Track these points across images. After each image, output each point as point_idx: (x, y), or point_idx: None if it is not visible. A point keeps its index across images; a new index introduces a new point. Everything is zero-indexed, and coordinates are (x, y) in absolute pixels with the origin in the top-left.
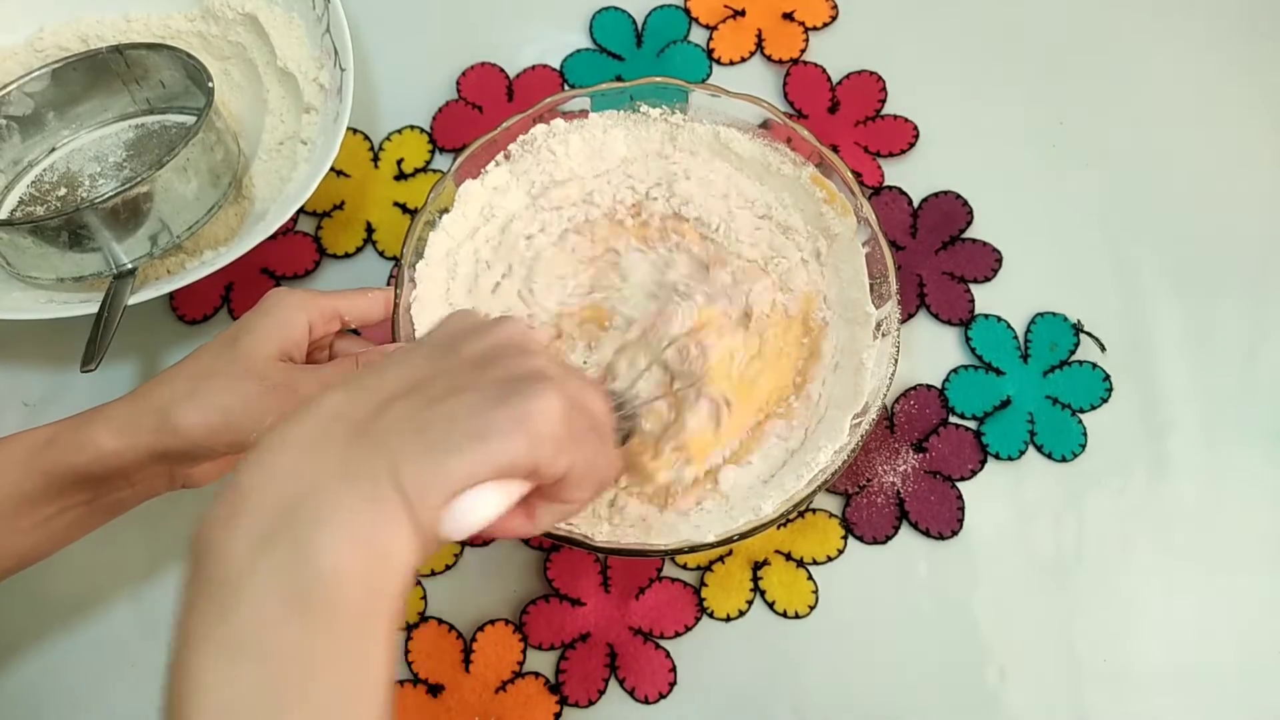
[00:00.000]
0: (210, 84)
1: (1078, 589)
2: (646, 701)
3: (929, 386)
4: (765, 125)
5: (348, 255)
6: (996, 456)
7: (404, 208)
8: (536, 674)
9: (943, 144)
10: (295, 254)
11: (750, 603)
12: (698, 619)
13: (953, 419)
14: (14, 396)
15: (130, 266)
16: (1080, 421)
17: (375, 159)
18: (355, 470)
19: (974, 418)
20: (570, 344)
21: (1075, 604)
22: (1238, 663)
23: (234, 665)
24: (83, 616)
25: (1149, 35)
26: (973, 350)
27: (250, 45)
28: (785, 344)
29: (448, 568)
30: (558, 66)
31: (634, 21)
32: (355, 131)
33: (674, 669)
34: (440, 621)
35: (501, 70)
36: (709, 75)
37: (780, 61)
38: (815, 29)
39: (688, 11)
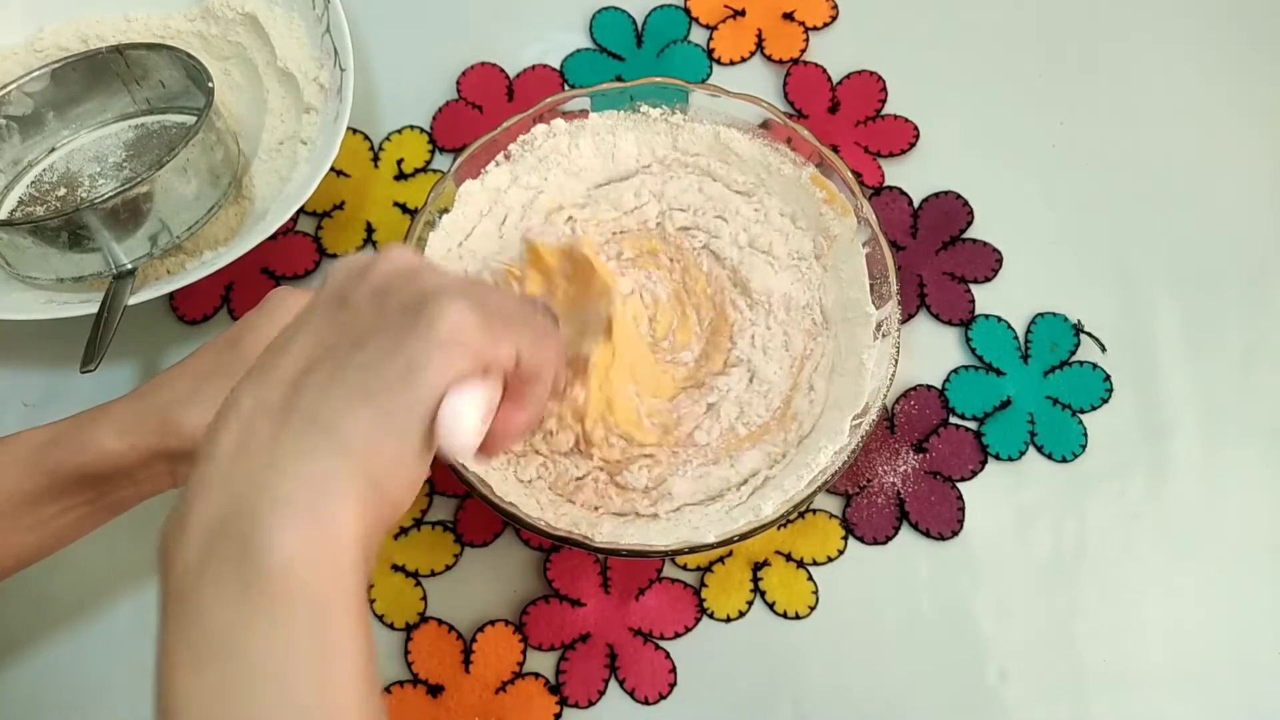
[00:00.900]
0: (210, 84)
1: (1078, 589)
2: (646, 702)
3: (929, 387)
4: (765, 125)
5: (347, 255)
6: (997, 457)
7: (404, 208)
8: (536, 674)
9: (943, 144)
10: (295, 254)
11: (750, 603)
12: (698, 619)
13: (953, 419)
14: (14, 396)
15: (130, 266)
16: (1080, 422)
17: (375, 159)
18: (286, 455)
19: (974, 418)
20: None
21: (1075, 604)
22: (1238, 663)
23: (204, 670)
24: (83, 616)
25: (1149, 35)
26: (973, 350)
27: (250, 45)
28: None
29: (447, 568)
30: (558, 66)
31: (634, 21)
32: (355, 131)
33: (674, 669)
34: (440, 622)
35: (501, 70)
36: (709, 75)
37: (780, 61)
38: (815, 29)
39: (688, 11)
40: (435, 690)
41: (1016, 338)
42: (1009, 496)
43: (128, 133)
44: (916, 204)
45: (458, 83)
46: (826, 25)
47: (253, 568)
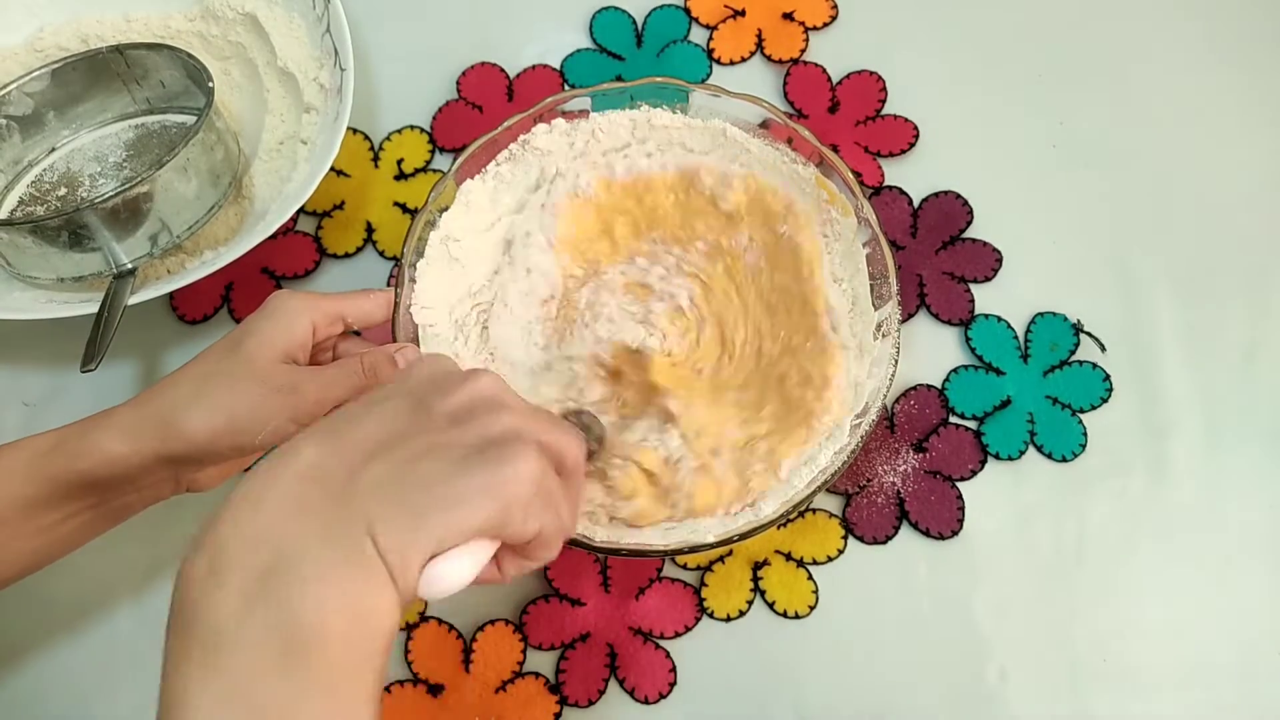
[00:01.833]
0: (210, 84)
1: (1078, 589)
2: (646, 701)
3: (929, 386)
4: (765, 125)
5: (348, 255)
6: (996, 456)
7: (404, 208)
8: (536, 674)
9: (943, 144)
10: (295, 254)
11: (750, 603)
12: (698, 619)
13: (953, 419)
14: (14, 396)
15: (130, 266)
16: (1080, 421)
17: (375, 159)
18: (336, 534)
19: (974, 418)
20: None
21: (1075, 604)
22: (1238, 663)
23: (225, 716)
24: (85, 619)
25: (1149, 35)
26: (973, 350)
27: (250, 45)
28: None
29: None
30: (558, 66)
31: (634, 21)
32: (355, 131)
33: (674, 669)
34: (440, 621)
35: (501, 70)
36: (709, 75)
37: (780, 61)
38: (815, 29)
39: (688, 11)
40: (435, 690)
41: (1016, 337)
42: (1009, 496)
43: (128, 133)
44: (916, 204)
45: (458, 83)
46: (826, 25)
47: (293, 632)
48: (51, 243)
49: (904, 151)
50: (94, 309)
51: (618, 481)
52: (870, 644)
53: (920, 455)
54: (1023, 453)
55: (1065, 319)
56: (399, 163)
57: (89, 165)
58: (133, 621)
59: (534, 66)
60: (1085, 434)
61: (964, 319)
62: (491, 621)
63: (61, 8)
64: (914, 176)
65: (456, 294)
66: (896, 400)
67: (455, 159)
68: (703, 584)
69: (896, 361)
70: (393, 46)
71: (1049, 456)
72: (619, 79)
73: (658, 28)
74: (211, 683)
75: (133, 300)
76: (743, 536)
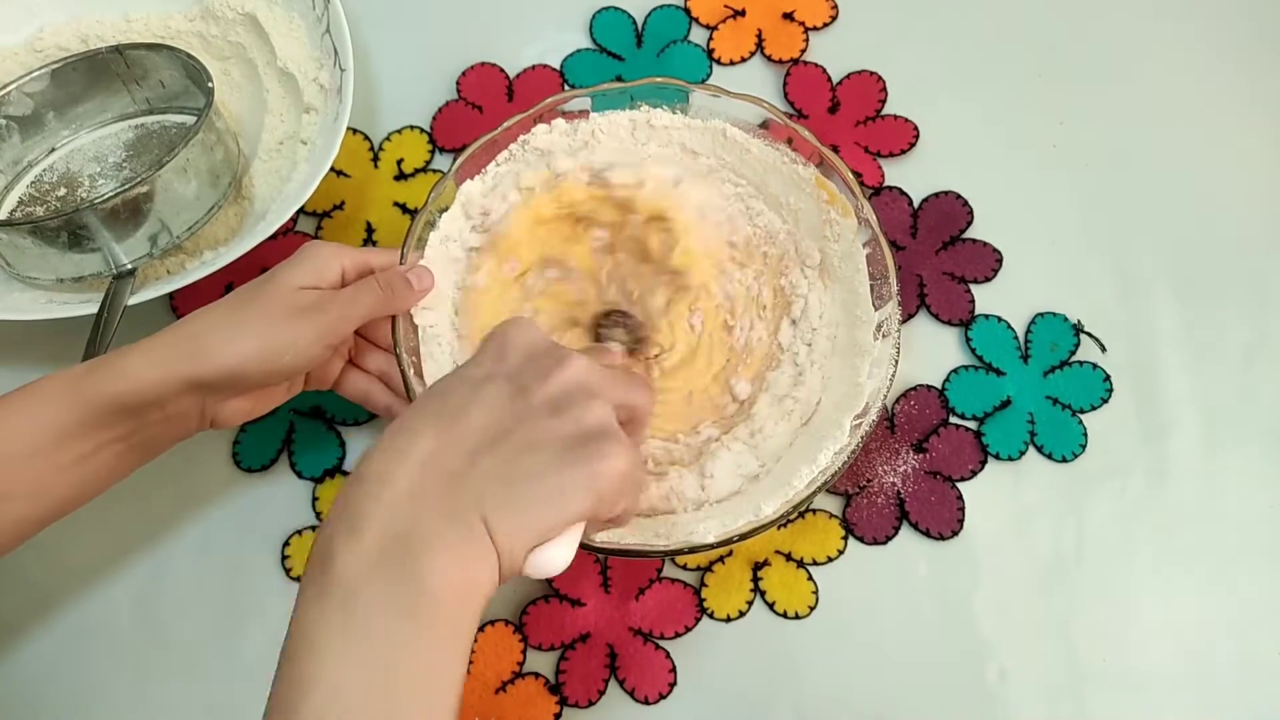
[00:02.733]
0: (210, 84)
1: (1078, 589)
2: (646, 702)
3: (929, 387)
4: (765, 125)
5: None
6: (997, 457)
7: (404, 208)
8: (536, 674)
9: (943, 144)
10: None
11: (750, 603)
12: (698, 619)
13: (953, 419)
14: None
15: (130, 267)
16: (1080, 422)
17: (375, 159)
18: (455, 514)
19: (974, 418)
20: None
21: (1075, 604)
22: (1238, 663)
23: (349, 650)
24: (85, 619)
25: (1149, 35)
26: (973, 350)
27: (250, 45)
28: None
29: None
30: (558, 66)
31: (634, 21)
32: (355, 131)
33: (674, 669)
34: None
35: (501, 70)
36: (709, 75)
37: (780, 61)
38: (815, 29)
39: (688, 11)
40: None
41: (1016, 338)
42: (1009, 496)
43: (128, 133)
44: (916, 204)
45: (458, 83)
46: (826, 25)
47: (414, 586)
48: (51, 243)
49: (904, 151)
50: (94, 309)
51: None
52: (870, 644)
53: (920, 455)
54: (1023, 453)
55: (1065, 319)
56: (399, 163)
57: (89, 165)
58: (133, 621)
59: (534, 66)
60: (1085, 434)
61: (964, 319)
62: (491, 622)
63: (61, 8)
64: (914, 176)
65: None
66: (896, 400)
67: (455, 159)
68: (703, 584)
69: (896, 362)
70: (393, 46)
71: (1049, 457)
72: (619, 79)
73: (658, 28)
74: (340, 620)
75: (133, 300)
76: (743, 537)
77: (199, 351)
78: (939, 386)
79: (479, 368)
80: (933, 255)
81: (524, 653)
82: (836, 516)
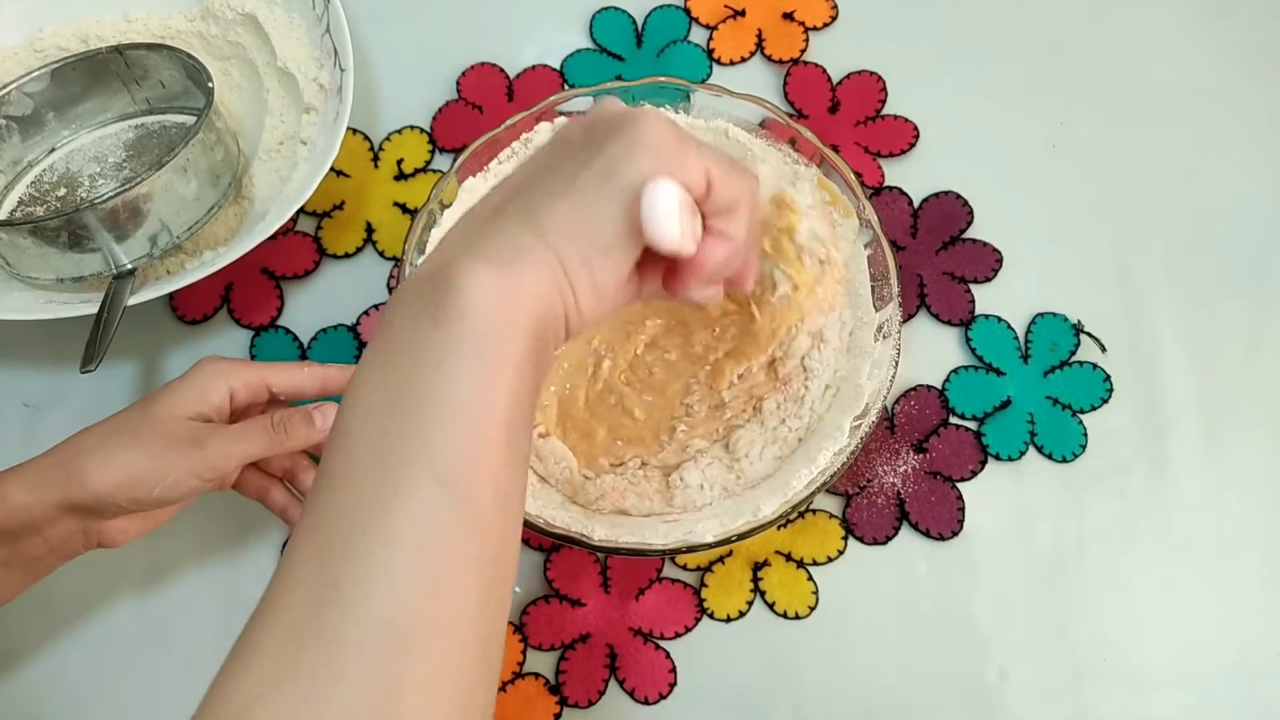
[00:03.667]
0: (210, 84)
1: (1078, 589)
2: (646, 702)
3: (929, 387)
4: (763, 125)
5: (348, 255)
6: (997, 457)
7: (404, 208)
8: (536, 674)
9: (943, 144)
10: (295, 254)
11: (750, 603)
12: (698, 619)
13: (953, 419)
14: (14, 396)
15: (130, 267)
16: (1080, 422)
17: (375, 159)
18: (492, 228)
19: (974, 418)
20: None
21: (1075, 604)
22: (1238, 663)
23: (376, 369)
24: (85, 619)
25: (1148, 35)
26: (973, 350)
27: (250, 45)
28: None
29: None
30: (558, 66)
31: (634, 21)
32: (355, 131)
33: (674, 669)
34: None
35: (501, 70)
36: (709, 75)
37: (780, 61)
38: (815, 29)
39: (688, 11)
40: None
41: (1016, 338)
42: (1009, 496)
43: (128, 133)
44: (916, 204)
45: (458, 83)
46: (826, 25)
47: (443, 299)
48: (51, 243)
49: (904, 151)
50: (94, 309)
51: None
52: (870, 644)
53: (920, 455)
54: (1023, 453)
55: (1065, 319)
56: (399, 163)
57: (89, 165)
58: (133, 621)
59: (534, 66)
60: (1085, 434)
61: (964, 319)
62: None
63: (61, 8)
64: (914, 176)
65: None
66: (897, 401)
67: (456, 158)
68: (703, 584)
69: (897, 363)
70: (393, 46)
71: (1049, 457)
72: (619, 79)
73: (658, 28)
74: (378, 340)
75: (132, 300)
76: (741, 537)
77: (72, 476)
78: (939, 386)
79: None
80: (933, 255)
81: (524, 653)
82: (836, 517)
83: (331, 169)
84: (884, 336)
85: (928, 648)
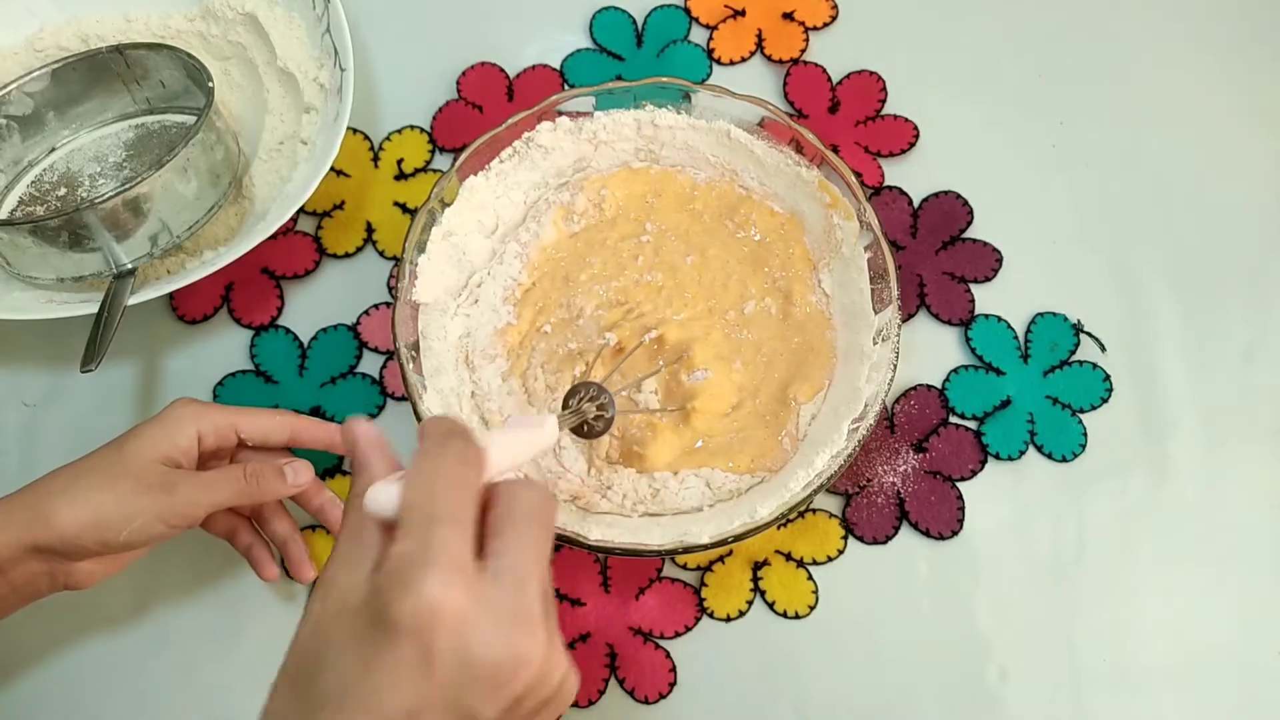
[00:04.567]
0: (210, 84)
1: (1078, 589)
2: (646, 701)
3: (929, 387)
4: (761, 124)
5: (348, 255)
6: (996, 457)
7: (404, 208)
8: None
9: (943, 144)
10: (295, 254)
11: (750, 603)
12: (698, 619)
13: (953, 419)
14: (14, 396)
15: (130, 266)
16: (1080, 421)
17: (375, 159)
18: None
19: (974, 418)
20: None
21: (1075, 604)
22: (1238, 663)
23: None
24: (85, 620)
25: (1148, 36)
26: (973, 350)
27: (250, 45)
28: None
29: None
30: (558, 66)
31: (634, 21)
32: (355, 131)
33: (674, 669)
34: None
35: (501, 70)
36: (709, 75)
37: (780, 61)
38: (815, 29)
39: (688, 11)
40: None
41: (1016, 337)
42: (1009, 496)
43: (128, 133)
44: (916, 204)
45: (458, 83)
46: (826, 25)
47: None
48: (51, 243)
49: (904, 151)
50: (94, 309)
51: (638, 436)
52: (870, 644)
53: (920, 455)
54: (1023, 453)
55: (1065, 319)
56: (399, 163)
57: (89, 165)
58: (133, 622)
59: (534, 66)
60: (1085, 434)
61: (964, 319)
62: None
63: (61, 8)
64: (914, 176)
65: (456, 288)
66: (896, 400)
67: (456, 158)
68: (703, 584)
69: (895, 366)
70: (393, 46)
71: (1049, 456)
72: (619, 79)
73: (658, 28)
74: None
75: (133, 300)
76: (738, 538)
77: (38, 517)
78: (939, 386)
79: (395, 690)
80: (933, 255)
81: None
82: (836, 516)
83: (331, 169)
84: (883, 339)
85: (928, 648)
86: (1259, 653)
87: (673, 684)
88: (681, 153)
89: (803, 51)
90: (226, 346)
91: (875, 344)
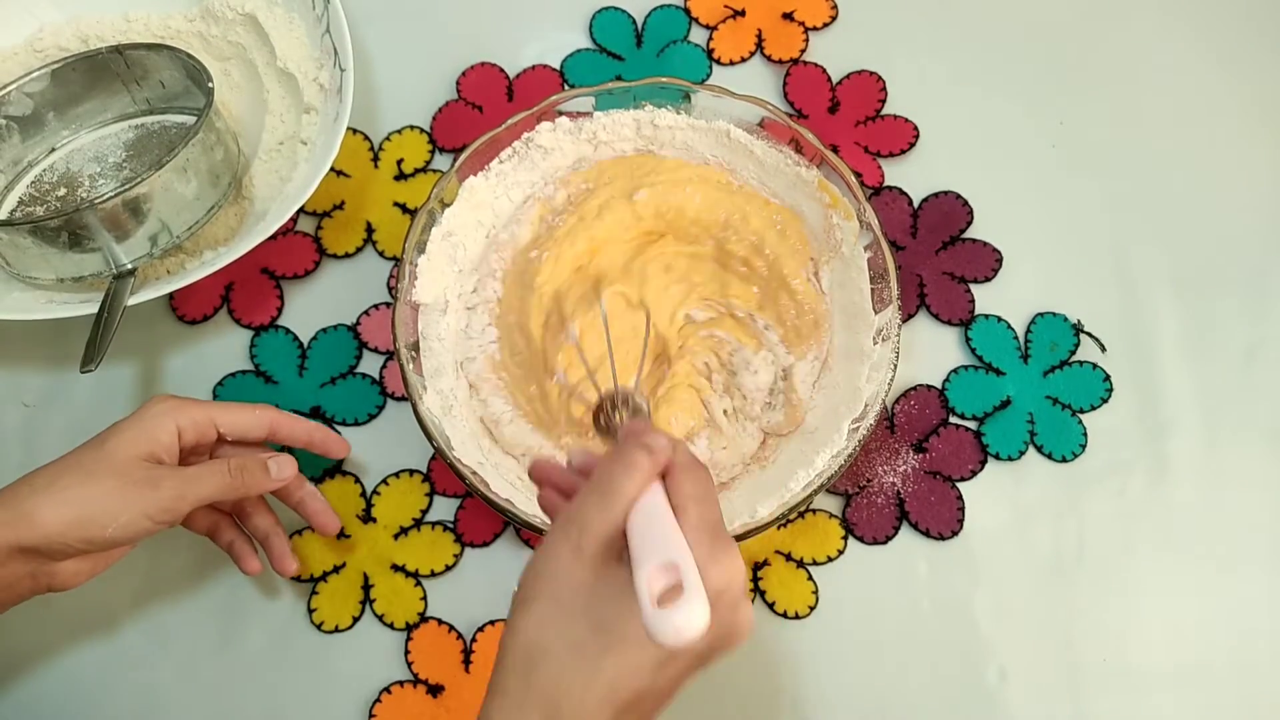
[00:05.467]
0: (210, 84)
1: (1078, 589)
2: None
3: (929, 387)
4: (761, 124)
5: (348, 255)
6: (996, 457)
7: (404, 208)
8: None
9: (943, 144)
10: (295, 254)
11: (750, 603)
12: None
13: (953, 419)
14: (14, 396)
15: (130, 266)
16: (1080, 421)
17: (375, 159)
18: None
19: (974, 418)
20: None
21: (1075, 604)
22: (1238, 663)
23: None
24: (85, 619)
25: (1149, 36)
26: (973, 350)
27: (250, 45)
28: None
29: (448, 568)
30: (558, 66)
31: (634, 21)
32: (355, 131)
33: None
34: (440, 622)
35: (501, 70)
36: (709, 75)
37: (780, 61)
38: (815, 29)
39: (688, 11)
40: (435, 690)
41: (1016, 338)
42: (1009, 496)
43: (128, 133)
44: (916, 204)
45: (458, 83)
46: (826, 25)
47: None
48: (51, 243)
49: (904, 151)
50: (94, 309)
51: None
52: (870, 644)
53: (920, 455)
54: (1023, 453)
55: (1065, 319)
56: (399, 163)
57: (89, 165)
58: (133, 622)
59: (534, 66)
60: (1085, 434)
61: (964, 319)
62: (492, 621)
63: (61, 8)
64: (914, 176)
65: (456, 286)
66: (896, 401)
67: (456, 158)
68: None
69: (895, 366)
70: (393, 46)
71: (1049, 456)
72: (619, 79)
73: (658, 28)
74: None
75: (133, 300)
76: (738, 538)
77: (20, 516)
78: (939, 386)
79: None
80: (933, 255)
81: None
82: (836, 516)
83: (331, 169)
84: (883, 340)
85: (928, 648)
86: (1259, 653)
87: None
88: (681, 153)
89: (802, 51)
90: (226, 347)
91: (875, 344)
